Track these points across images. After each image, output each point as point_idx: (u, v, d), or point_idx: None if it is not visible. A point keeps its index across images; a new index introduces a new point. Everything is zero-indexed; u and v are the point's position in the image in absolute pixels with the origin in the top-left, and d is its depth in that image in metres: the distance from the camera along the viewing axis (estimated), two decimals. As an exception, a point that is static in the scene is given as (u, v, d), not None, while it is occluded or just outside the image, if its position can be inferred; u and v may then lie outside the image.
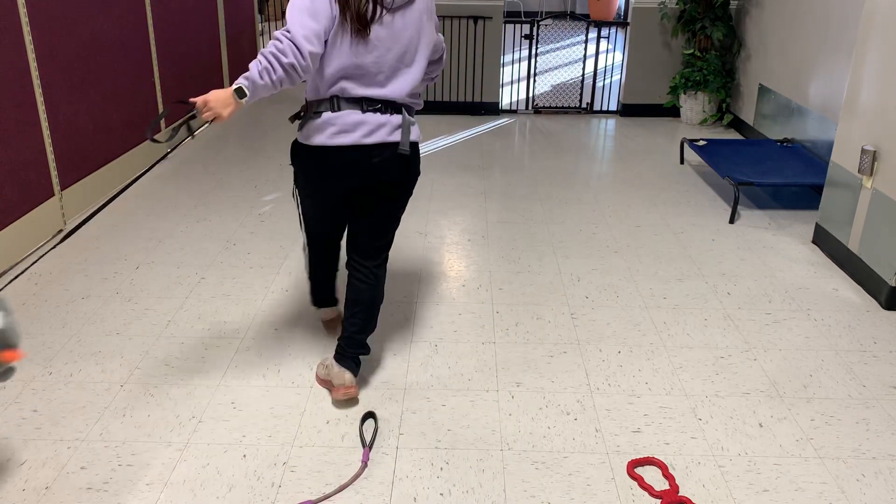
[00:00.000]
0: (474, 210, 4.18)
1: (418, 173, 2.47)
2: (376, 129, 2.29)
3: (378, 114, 2.29)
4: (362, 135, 2.27)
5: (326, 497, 2.08)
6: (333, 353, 2.53)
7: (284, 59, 2.14)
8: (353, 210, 2.47)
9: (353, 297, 2.52)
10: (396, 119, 2.32)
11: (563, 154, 5.27)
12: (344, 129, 2.27)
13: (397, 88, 2.29)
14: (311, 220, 2.61)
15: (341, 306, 2.80)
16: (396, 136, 2.32)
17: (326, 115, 2.27)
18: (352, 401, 2.49)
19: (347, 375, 2.45)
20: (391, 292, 3.23)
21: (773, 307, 3.17)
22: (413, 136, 2.37)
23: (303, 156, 2.40)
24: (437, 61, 2.51)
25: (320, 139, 2.29)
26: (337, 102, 2.27)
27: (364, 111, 2.27)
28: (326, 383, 2.54)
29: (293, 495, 2.08)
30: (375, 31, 2.19)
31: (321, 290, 2.85)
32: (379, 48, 2.22)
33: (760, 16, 5.50)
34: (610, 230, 3.94)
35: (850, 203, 3.46)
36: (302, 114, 2.37)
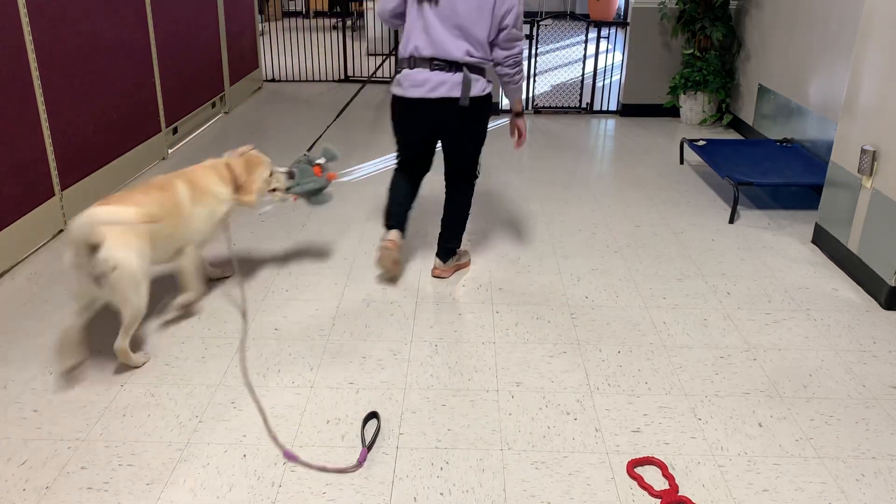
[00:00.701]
0: (474, 210, 4.18)
1: (482, 121, 3.07)
2: (438, 85, 2.88)
3: (441, 72, 2.86)
4: (428, 90, 2.90)
5: (307, 465, 2.18)
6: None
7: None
8: (434, 144, 3.16)
9: (446, 208, 3.31)
10: (457, 77, 2.87)
11: (562, 154, 5.27)
12: (415, 83, 2.91)
13: (458, 51, 2.85)
14: (399, 146, 3.22)
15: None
16: (456, 92, 2.88)
17: (405, 71, 2.93)
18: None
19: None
20: (391, 292, 3.23)
21: (773, 307, 3.17)
22: (474, 92, 2.91)
23: (392, 100, 3.06)
24: (508, 48, 2.95)
25: (398, 91, 2.98)
26: (413, 61, 2.91)
27: (431, 69, 2.87)
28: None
29: (293, 495, 2.08)
30: (438, 6, 2.83)
31: (393, 212, 3.25)
32: (440, 18, 2.83)
33: (760, 16, 5.50)
34: (610, 230, 3.94)
35: (850, 203, 3.46)
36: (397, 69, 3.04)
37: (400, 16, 2.98)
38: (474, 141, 3.12)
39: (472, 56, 2.87)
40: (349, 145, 5.40)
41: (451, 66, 2.85)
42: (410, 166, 3.25)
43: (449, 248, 3.34)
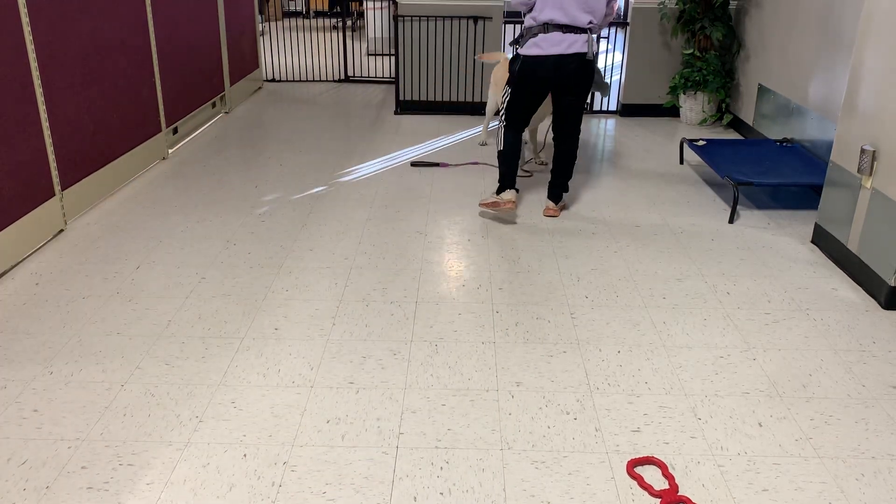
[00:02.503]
0: (474, 210, 4.18)
1: (593, 72, 3.88)
2: (572, 43, 3.71)
3: (573, 34, 3.69)
4: (565, 47, 3.71)
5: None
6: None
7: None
8: (546, 96, 3.99)
9: (557, 154, 4.06)
10: (584, 37, 3.72)
11: (562, 154, 5.26)
12: (553, 43, 3.71)
13: (584, 20, 3.71)
14: (517, 103, 3.91)
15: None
16: (585, 48, 3.73)
17: (541, 35, 3.71)
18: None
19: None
20: (391, 292, 3.23)
21: (773, 307, 3.17)
22: (595, 49, 3.80)
23: (524, 60, 3.78)
24: (609, 15, 3.87)
25: (536, 50, 3.73)
26: (547, 28, 3.72)
27: (564, 33, 3.69)
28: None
29: (293, 495, 2.09)
30: None
31: (509, 172, 4.02)
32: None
33: (760, 16, 5.50)
34: (610, 230, 3.95)
35: (850, 203, 3.46)
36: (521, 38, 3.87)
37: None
38: (587, 88, 3.91)
39: (591, 23, 3.73)
40: (349, 145, 5.40)
41: (579, 30, 3.69)
42: (521, 122, 3.98)
43: (560, 189, 4.10)
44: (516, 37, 3.95)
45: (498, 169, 4.07)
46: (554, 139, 4.07)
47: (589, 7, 3.71)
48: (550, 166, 4.17)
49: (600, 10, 3.75)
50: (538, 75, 3.80)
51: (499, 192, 4.04)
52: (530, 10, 3.76)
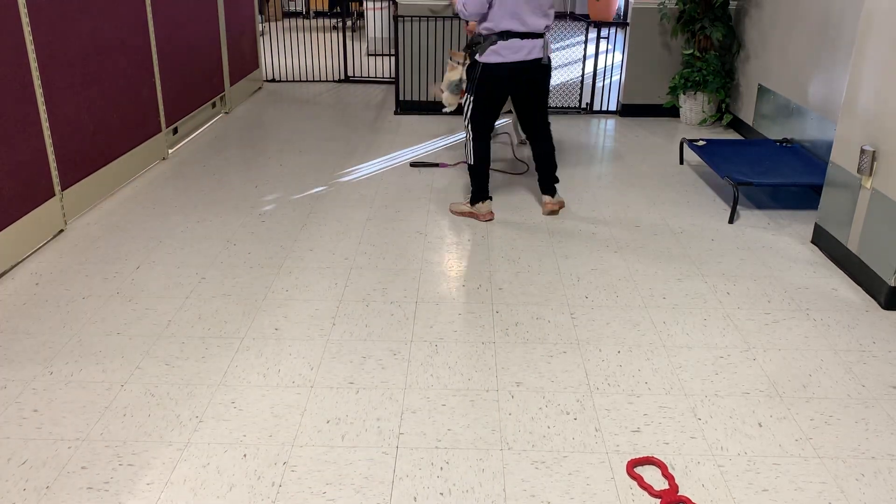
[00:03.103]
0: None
1: (550, 73, 3.94)
2: (531, 50, 3.74)
3: (530, 40, 3.72)
4: (525, 54, 3.74)
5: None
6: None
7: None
8: (513, 100, 4.02)
9: (539, 153, 4.10)
10: (540, 42, 3.76)
11: (562, 154, 5.26)
12: (513, 50, 3.71)
13: (541, 25, 3.75)
14: (485, 110, 3.87)
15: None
16: (541, 54, 3.79)
17: (501, 43, 3.69)
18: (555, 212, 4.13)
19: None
20: (391, 292, 3.23)
21: (773, 307, 3.17)
22: (549, 52, 3.86)
23: (486, 68, 3.76)
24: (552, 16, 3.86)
25: (497, 58, 3.72)
26: (506, 35, 3.69)
27: (522, 39, 3.71)
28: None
29: (293, 495, 2.09)
30: None
31: (486, 182, 4.03)
32: (528, 3, 3.67)
33: (760, 16, 5.50)
34: (610, 230, 3.95)
35: (850, 203, 3.46)
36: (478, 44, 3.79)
37: (487, 6, 3.68)
38: (547, 89, 4.00)
39: (547, 27, 3.78)
40: (349, 145, 5.40)
41: (536, 35, 3.73)
42: (488, 129, 3.97)
43: (553, 182, 4.16)
44: (469, 43, 3.86)
45: (471, 182, 4.03)
46: (530, 141, 4.10)
47: (543, 11, 3.74)
48: (535, 166, 4.18)
49: (552, 12, 3.81)
50: (500, 82, 3.80)
51: (473, 202, 4.03)
52: (484, 20, 3.69)
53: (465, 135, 4.01)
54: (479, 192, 4.01)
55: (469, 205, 4.04)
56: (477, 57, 3.77)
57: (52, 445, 2.25)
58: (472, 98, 3.86)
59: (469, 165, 4.00)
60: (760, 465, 2.23)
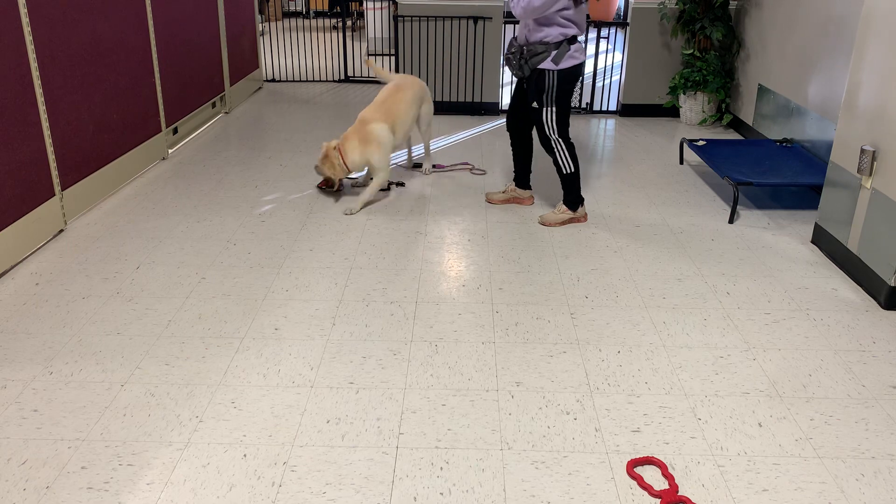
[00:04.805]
0: (474, 210, 4.18)
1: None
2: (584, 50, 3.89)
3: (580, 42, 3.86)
4: (584, 53, 3.87)
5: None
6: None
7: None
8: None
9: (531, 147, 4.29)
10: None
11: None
12: (581, 51, 3.82)
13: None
14: (567, 112, 3.89)
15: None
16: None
17: (574, 45, 3.76)
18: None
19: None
20: (391, 292, 3.23)
21: (773, 307, 3.17)
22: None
23: (568, 70, 3.78)
24: None
25: (576, 60, 3.78)
26: (574, 39, 3.78)
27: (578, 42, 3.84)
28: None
29: (293, 495, 2.09)
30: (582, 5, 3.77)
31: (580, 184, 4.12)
32: (581, 12, 3.77)
33: (760, 16, 5.50)
34: (610, 230, 3.95)
35: (850, 203, 3.46)
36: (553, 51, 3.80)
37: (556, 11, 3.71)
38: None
39: None
40: (349, 145, 5.39)
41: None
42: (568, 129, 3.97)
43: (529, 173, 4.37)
44: (537, 54, 3.71)
45: (569, 190, 3.99)
46: (523, 137, 4.18)
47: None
48: (522, 162, 4.26)
49: None
50: (574, 82, 3.85)
51: (576, 208, 4.02)
52: (547, 25, 3.66)
53: (554, 149, 3.90)
54: (579, 196, 4.02)
55: (571, 211, 4.01)
56: (551, 66, 3.70)
57: (52, 445, 2.25)
58: (553, 109, 3.79)
59: (568, 174, 3.94)
60: (760, 465, 2.23)
